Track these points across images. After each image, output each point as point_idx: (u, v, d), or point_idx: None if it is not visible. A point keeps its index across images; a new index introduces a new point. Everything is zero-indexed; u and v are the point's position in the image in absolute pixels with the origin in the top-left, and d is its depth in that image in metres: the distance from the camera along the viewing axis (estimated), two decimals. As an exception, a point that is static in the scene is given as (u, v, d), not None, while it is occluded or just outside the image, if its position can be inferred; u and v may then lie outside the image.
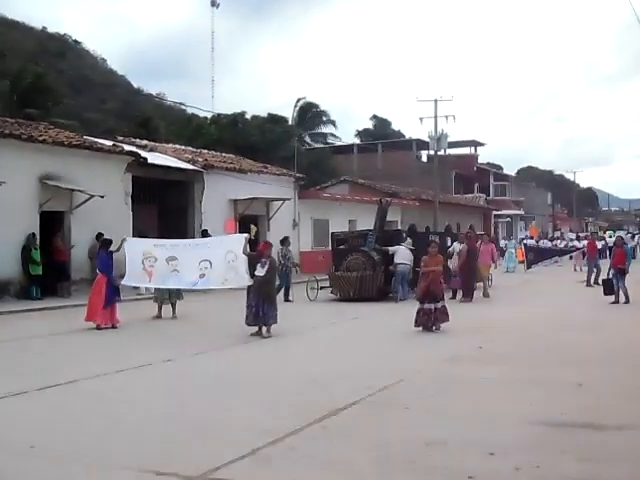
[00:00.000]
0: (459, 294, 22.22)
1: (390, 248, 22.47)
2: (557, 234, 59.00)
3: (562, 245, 42.77)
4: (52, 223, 22.81)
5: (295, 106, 67.53)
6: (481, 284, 23.36)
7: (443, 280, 16.29)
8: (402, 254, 22.10)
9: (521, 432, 7.44)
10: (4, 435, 7.38)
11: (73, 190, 22.87)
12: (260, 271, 14.74)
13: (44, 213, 22.46)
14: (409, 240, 23.38)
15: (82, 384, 9.94)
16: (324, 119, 68.63)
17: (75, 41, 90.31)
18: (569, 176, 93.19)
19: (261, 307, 14.50)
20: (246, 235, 16.20)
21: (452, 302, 19.37)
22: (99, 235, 20.84)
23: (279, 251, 22.01)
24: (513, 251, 39.78)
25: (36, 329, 15.85)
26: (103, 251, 16.70)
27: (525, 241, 43.25)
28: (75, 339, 14.64)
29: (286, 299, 21.72)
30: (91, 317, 15.75)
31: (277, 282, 17.88)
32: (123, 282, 16.28)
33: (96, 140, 26.46)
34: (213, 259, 15.90)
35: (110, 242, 16.85)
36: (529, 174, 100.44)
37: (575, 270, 36.98)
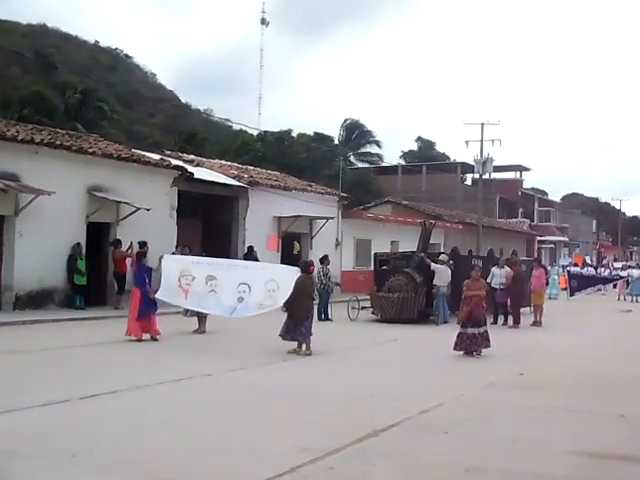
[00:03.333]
0: (500, 319, 22.06)
1: (433, 264, 22.32)
2: (604, 262, 58.13)
3: (606, 273, 42.21)
4: (98, 234, 23.12)
5: (342, 126, 67.89)
6: (527, 309, 23.15)
7: (486, 304, 16.15)
8: (443, 276, 21.95)
9: (561, 462, 7.35)
10: (47, 443, 7.46)
11: (120, 202, 23.14)
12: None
13: (90, 224, 22.78)
14: (444, 256, 23.26)
15: (124, 395, 10.02)
16: (370, 139, 68.86)
17: (126, 55, 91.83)
18: (615, 204, 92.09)
19: (292, 324, 14.63)
20: (298, 269, 15.87)
21: (494, 327, 19.16)
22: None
23: (319, 270, 22.01)
24: (556, 278, 39.33)
25: (79, 338, 15.98)
26: (136, 264, 16.86)
27: (568, 268, 42.82)
28: (117, 350, 14.76)
29: (326, 318, 21.74)
30: (129, 331, 15.90)
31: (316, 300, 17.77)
32: (157, 295, 16.23)
33: (144, 154, 26.77)
34: (252, 284, 15.87)
35: (144, 254, 17.04)
36: (574, 201, 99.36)
37: (619, 299, 36.52)
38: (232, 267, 17.25)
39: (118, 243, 22.34)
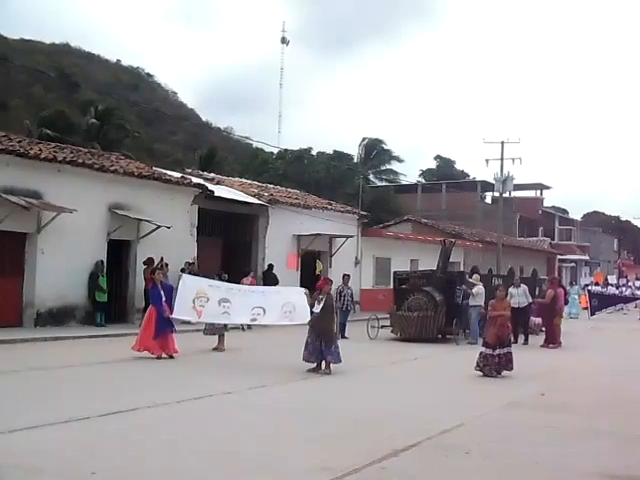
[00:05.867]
0: (521, 338, 21.91)
1: (472, 290, 22.11)
2: (622, 281, 57.59)
3: (627, 292, 41.81)
4: (119, 251, 23.26)
5: (360, 144, 68.01)
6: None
7: (510, 324, 15.96)
8: (481, 297, 21.74)
9: (585, 484, 7.29)
10: (67, 460, 7.47)
11: (141, 220, 23.26)
12: (316, 308, 14.80)
13: (111, 241, 22.89)
14: (476, 276, 23.16)
15: (143, 412, 10.02)
16: (388, 157, 68.92)
17: (148, 74, 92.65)
18: (637, 222, 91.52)
19: (318, 344, 14.54)
20: (306, 290, 16.19)
21: (515, 347, 18.99)
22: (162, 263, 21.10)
23: (338, 287, 22.06)
24: (576, 297, 39.06)
25: (99, 356, 16.03)
26: (152, 282, 16.88)
27: (589, 287, 42.50)
28: (137, 367, 14.79)
29: (342, 336, 21.72)
30: (139, 346, 15.79)
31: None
32: (172, 315, 16.18)
33: (165, 172, 26.91)
34: (267, 307, 15.95)
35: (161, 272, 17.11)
36: (594, 219, 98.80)
37: (640, 319, 36.24)
38: (249, 293, 17.28)
39: (152, 262, 22.37)
